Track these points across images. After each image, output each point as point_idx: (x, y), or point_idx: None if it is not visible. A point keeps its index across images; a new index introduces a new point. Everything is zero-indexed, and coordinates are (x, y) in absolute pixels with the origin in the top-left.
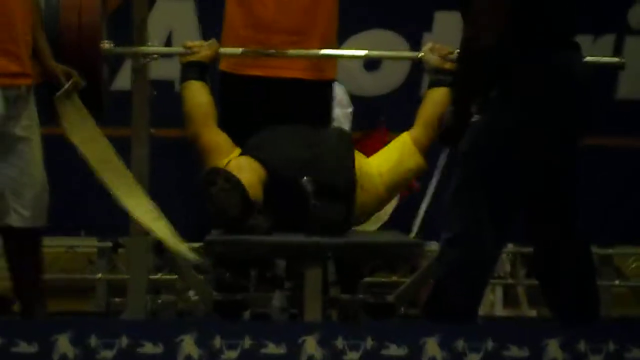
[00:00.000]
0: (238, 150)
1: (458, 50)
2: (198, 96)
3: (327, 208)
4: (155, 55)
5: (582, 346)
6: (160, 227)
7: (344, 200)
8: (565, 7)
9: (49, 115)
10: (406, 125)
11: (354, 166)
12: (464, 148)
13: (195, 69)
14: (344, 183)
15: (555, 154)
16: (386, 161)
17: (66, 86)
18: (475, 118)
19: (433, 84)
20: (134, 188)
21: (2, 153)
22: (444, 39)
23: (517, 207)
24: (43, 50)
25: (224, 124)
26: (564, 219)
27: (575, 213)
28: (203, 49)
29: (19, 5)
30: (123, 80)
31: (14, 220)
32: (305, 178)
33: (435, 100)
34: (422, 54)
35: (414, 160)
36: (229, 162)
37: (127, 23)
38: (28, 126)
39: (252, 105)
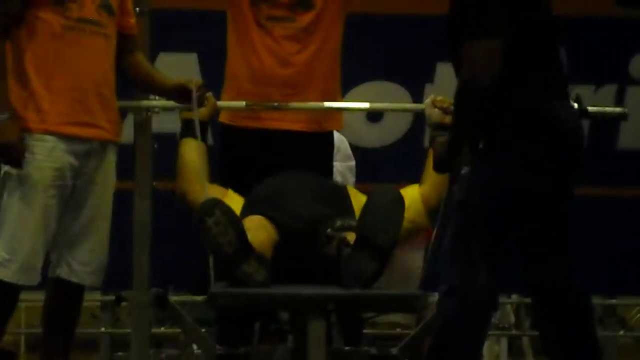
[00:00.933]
0: (230, 193)
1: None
2: (190, 153)
3: (362, 262)
4: (158, 109)
5: None
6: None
7: (379, 258)
8: (551, 57)
9: None
10: (409, 177)
11: (399, 229)
12: (455, 201)
13: (192, 127)
14: (386, 243)
15: (547, 203)
16: None
17: (195, 93)
18: (465, 170)
19: (434, 139)
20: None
21: (69, 206)
22: (445, 90)
23: (511, 255)
24: (147, 70)
25: (225, 174)
26: (562, 267)
27: (574, 262)
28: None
29: (92, 56)
30: (126, 133)
31: (65, 273)
32: (329, 230)
33: None
34: (424, 107)
35: (420, 219)
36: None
37: None
38: (98, 183)
39: (251, 156)
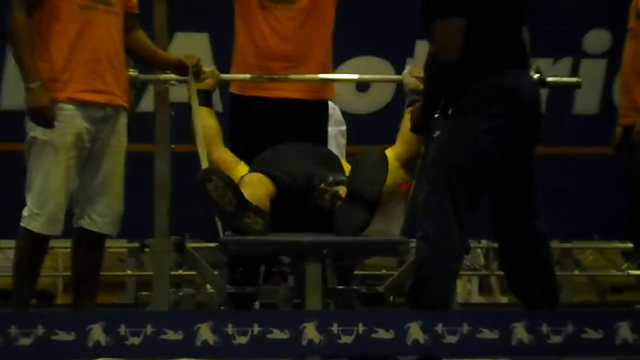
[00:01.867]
0: (242, 164)
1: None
2: (204, 120)
3: (353, 212)
4: (174, 82)
5: (544, 328)
6: None
7: (368, 208)
8: (512, 33)
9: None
10: (392, 139)
11: (384, 183)
12: (429, 160)
13: (202, 96)
14: (373, 195)
15: (507, 159)
16: None
17: (191, 67)
18: (437, 134)
19: (410, 104)
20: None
21: (87, 166)
22: (423, 63)
23: (476, 206)
24: (149, 46)
25: (234, 138)
26: (525, 216)
27: (535, 211)
28: (207, 76)
29: (105, 32)
30: (147, 103)
31: (86, 224)
32: (322, 185)
33: None
34: (402, 77)
35: (398, 174)
36: (242, 177)
37: None
38: (112, 145)
39: (257, 121)
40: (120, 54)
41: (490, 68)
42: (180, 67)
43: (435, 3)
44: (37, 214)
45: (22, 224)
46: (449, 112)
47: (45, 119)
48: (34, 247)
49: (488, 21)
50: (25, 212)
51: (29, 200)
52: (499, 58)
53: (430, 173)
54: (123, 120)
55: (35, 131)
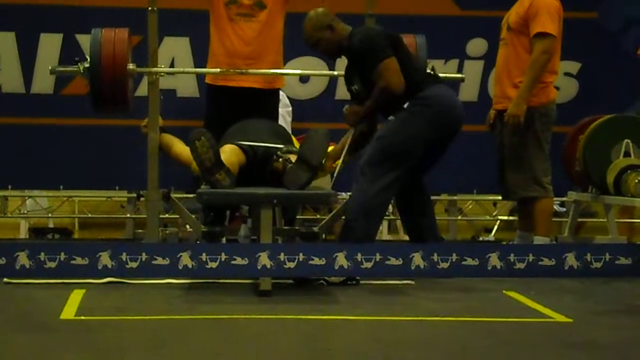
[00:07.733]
0: None
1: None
2: (165, 137)
3: (299, 172)
4: (163, 74)
5: (435, 257)
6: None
7: (311, 171)
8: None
9: None
10: (324, 118)
11: (325, 153)
12: (378, 134)
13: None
14: (315, 161)
15: (430, 142)
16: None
17: None
18: (390, 119)
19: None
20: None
21: None
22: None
23: (404, 176)
24: None
25: (208, 116)
26: (419, 179)
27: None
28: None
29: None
30: (142, 89)
31: None
32: (278, 153)
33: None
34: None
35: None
36: (222, 147)
37: (144, 52)
38: None
39: (226, 104)
40: None
41: (424, 84)
42: None
43: (372, 53)
44: None
45: None
46: (404, 107)
47: None
48: None
49: (404, 56)
50: None
51: None
52: (423, 77)
53: (373, 145)
54: None
55: None
